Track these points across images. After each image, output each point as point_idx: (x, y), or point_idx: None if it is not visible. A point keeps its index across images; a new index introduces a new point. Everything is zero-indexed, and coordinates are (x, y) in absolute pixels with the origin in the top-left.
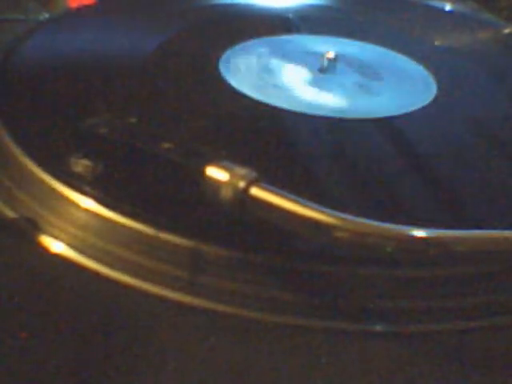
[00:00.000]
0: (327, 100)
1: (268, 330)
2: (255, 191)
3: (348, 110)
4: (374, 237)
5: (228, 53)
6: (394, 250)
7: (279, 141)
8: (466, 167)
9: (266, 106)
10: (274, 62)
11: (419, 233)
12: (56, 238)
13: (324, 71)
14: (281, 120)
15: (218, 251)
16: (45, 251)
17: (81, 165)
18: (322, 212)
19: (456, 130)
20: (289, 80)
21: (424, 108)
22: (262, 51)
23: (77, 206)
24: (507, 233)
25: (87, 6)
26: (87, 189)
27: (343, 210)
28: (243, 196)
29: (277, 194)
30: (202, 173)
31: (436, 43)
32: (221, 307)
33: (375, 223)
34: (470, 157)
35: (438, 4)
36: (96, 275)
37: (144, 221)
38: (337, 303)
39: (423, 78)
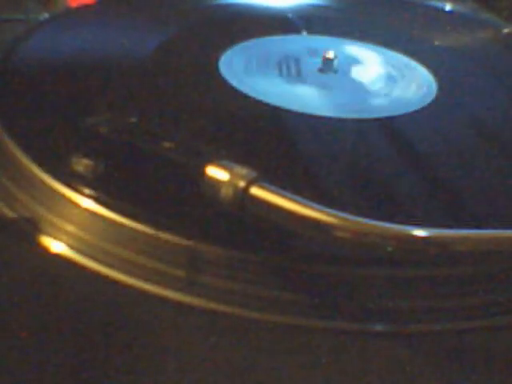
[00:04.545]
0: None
1: (268, 329)
2: (255, 191)
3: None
4: (374, 237)
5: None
6: (394, 250)
7: (279, 141)
8: (466, 167)
9: (266, 105)
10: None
11: (419, 233)
12: (56, 238)
13: (324, 71)
14: (281, 120)
15: (218, 251)
16: (45, 251)
17: (81, 164)
18: (322, 211)
19: (456, 129)
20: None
21: (424, 108)
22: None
23: (77, 205)
24: (507, 233)
25: (87, 6)
26: (87, 189)
27: (343, 210)
28: (243, 195)
29: (277, 193)
30: (202, 172)
31: (436, 43)
32: (220, 307)
33: (375, 223)
34: (470, 157)
35: (438, 4)
36: (96, 275)
37: (144, 221)
38: (337, 303)
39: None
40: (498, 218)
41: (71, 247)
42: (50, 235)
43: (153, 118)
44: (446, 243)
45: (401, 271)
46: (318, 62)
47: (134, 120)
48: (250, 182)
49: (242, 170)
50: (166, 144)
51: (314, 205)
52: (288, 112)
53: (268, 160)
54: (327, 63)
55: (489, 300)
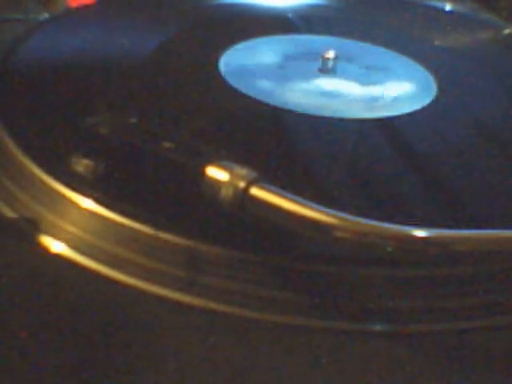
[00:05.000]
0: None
1: (268, 329)
2: (255, 191)
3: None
4: (374, 237)
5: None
6: (394, 250)
7: (279, 141)
8: (466, 167)
9: (266, 105)
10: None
11: (419, 233)
12: (56, 237)
13: (324, 71)
14: (281, 120)
15: (217, 251)
16: (45, 251)
17: (81, 164)
18: (322, 212)
19: (456, 129)
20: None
21: (424, 108)
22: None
23: (77, 206)
24: (507, 233)
25: (87, 6)
26: (87, 189)
27: (343, 210)
28: (243, 196)
29: (277, 193)
30: (202, 172)
31: (436, 43)
32: (220, 307)
33: (375, 223)
34: (470, 157)
35: (438, 4)
36: (96, 275)
37: (144, 221)
38: (337, 303)
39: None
40: (498, 217)
41: (71, 247)
42: (50, 235)
43: (153, 118)
44: (446, 243)
45: (401, 271)
46: (318, 62)
47: (133, 120)
48: (250, 183)
49: (242, 171)
50: (166, 144)
51: (314, 205)
52: (288, 112)
53: (268, 160)
54: (327, 63)
55: (489, 300)
